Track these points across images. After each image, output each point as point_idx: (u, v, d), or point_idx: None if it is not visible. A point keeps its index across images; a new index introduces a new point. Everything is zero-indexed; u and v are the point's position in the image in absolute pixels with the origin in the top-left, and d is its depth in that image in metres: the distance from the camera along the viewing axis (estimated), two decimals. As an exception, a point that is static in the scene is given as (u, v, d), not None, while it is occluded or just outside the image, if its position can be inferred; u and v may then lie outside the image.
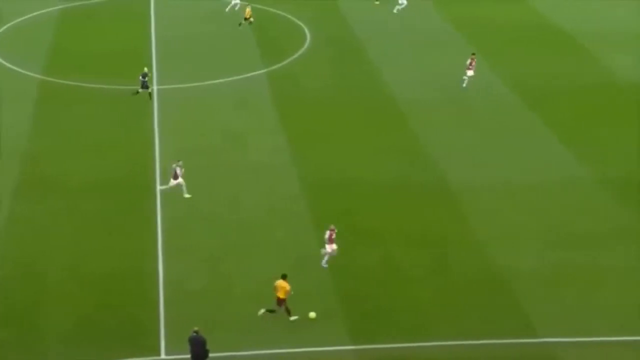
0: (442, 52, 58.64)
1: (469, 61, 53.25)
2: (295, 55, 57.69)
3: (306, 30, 62.11)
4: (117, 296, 34.45)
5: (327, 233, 36.48)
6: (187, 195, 41.15)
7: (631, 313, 34.13)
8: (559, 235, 38.81)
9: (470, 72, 53.03)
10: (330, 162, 44.24)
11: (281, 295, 33.15)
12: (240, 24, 62.07)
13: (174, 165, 41.27)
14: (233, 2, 65.39)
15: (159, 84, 52.62)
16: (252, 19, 62.17)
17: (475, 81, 53.62)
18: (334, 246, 36.50)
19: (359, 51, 58.47)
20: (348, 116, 49.48)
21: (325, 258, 36.58)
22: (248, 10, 62.64)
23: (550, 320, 33.56)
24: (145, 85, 50.67)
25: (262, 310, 33.43)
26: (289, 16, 64.68)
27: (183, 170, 41.36)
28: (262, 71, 54.97)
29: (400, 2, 66.52)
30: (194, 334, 30.65)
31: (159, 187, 41.40)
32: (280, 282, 33.18)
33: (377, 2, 68.77)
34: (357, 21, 64.07)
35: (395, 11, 66.14)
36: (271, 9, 66.02)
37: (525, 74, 55.14)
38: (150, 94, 50.85)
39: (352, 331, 32.95)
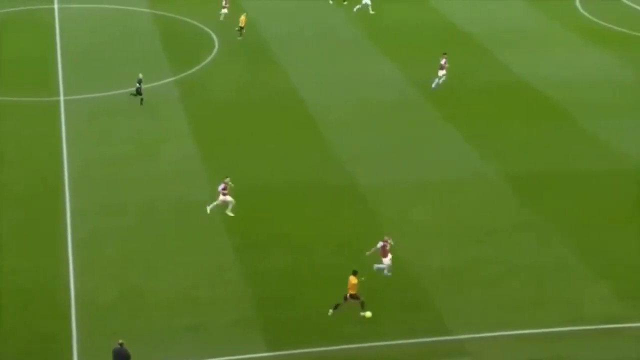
0: (351, 55, 58.67)
1: (443, 61, 53.28)
2: (204, 63, 57.12)
3: (214, 37, 61.54)
4: (28, 312, 33.54)
5: (380, 244, 35.49)
6: (230, 214, 39.61)
7: (534, 305, 34.42)
8: (467, 231, 38.99)
9: (441, 72, 53.23)
10: (242, 168, 43.83)
11: (351, 290, 33.33)
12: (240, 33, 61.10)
13: (222, 183, 39.86)
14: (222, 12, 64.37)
15: (65, 94, 51.56)
16: (244, 29, 61.30)
17: (383, 82, 53.82)
18: (389, 259, 35.45)
19: (269, 56, 58.14)
20: (258, 121, 49.13)
21: (385, 271, 35.64)
22: (242, 18, 61.62)
23: (460, 316, 33.64)
24: (139, 91, 50.02)
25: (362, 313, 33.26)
26: (197, 23, 64.02)
27: (231, 185, 40.02)
28: (171, 79, 54.27)
29: (363, 2, 66.63)
30: (119, 346, 29.97)
31: (208, 207, 39.75)
32: (351, 278, 33.29)
33: (331, 2, 69.23)
34: (266, 26, 63.73)
35: (371, 12, 66.21)
36: (179, 17, 65.31)
37: (429, 74, 55.43)
38: (142, 100, 50.10)
39: (268, 337, 32.58)
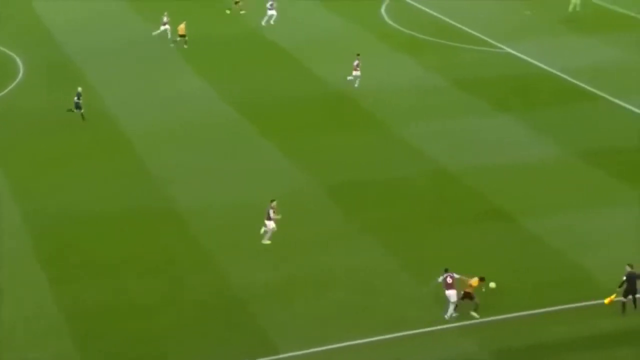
0: (162, 71, 57.42)
1: (356, 62, 54.35)
2: (9, 88, 54.64)
3: (18, 60, 58.99)
4: None
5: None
6: (266, 242, 38.44)
7: (360, 314, 34.27)
8: (288, 245, 38.49)
9: (356, 73, 54.30)
10: (54, 194, 41.97)
11: (468, 289, 33.92)
12: (185, 42, 60.59)
13: (269, 207, 38.61)
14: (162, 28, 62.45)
15: None
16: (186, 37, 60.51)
17: (196, 99, 52.92)
18: None
19: (77, 76, 56.04)
20: (69, 145, 47.22)
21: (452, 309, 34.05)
22: (182, 26, 60.80)
23: (286, 333, 33.03)
24: (78, 106, 48.04)
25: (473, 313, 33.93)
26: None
27: (279, 215, 38.57)
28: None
29: (269, 13, 66.05)
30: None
31: (263, 234, 38.48)
32: (474, 280, 33.97)
33: (243, 11, 68.49)
34: (73, 46, 61.57)
35: (264, 23, 65.98)
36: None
37: (242, 89, 54.88)
38: (82, 115, 48.71)
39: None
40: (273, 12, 66.63)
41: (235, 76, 57.13)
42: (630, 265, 34.38)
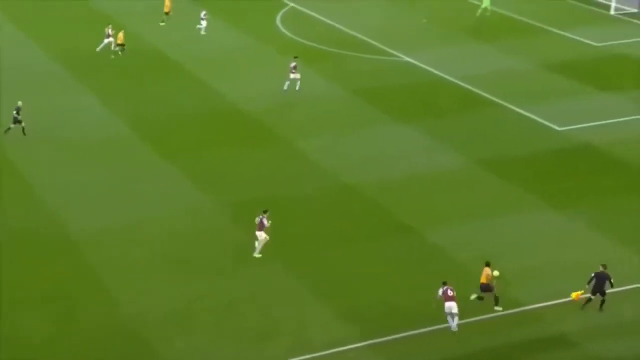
0: (47, 89, 55.65)
1: (293, 64, 54.84)
2: None
3: None
4: None
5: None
6: (257, 255, 38.02)
7: (262, 339, 33.38)
8: (188, 269, 37.43)
9: (293, 75, 54.86)
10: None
11: (483, 280, 34.71)
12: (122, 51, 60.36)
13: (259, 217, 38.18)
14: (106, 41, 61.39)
15: None
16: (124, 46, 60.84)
17: (85, 118, 51.44)
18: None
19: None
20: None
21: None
22: (120, 35, 60.61)
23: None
24: (17, 120, 47.88)
25: (474, 296, 34.91)
26: None
27: (270, 222, 38.04)
28: None
29: (201, 23, 65.33)
30: None
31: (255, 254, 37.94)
32: (485, 270, 34.81)
33: (163, 23, 67.68)
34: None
35: (203, 32, 65.35)
36: None
37: (137, 105, 53.49)
38: (23, 129, 48.12)
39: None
40: (205, 22, 66.34)
41: (129, 92, 55.66)
42: (604, 266, 34.92)
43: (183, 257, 38.27)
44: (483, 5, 70.69)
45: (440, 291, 34.18)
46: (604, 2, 73.02)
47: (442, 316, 33.96)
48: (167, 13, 68.57)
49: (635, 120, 51.75)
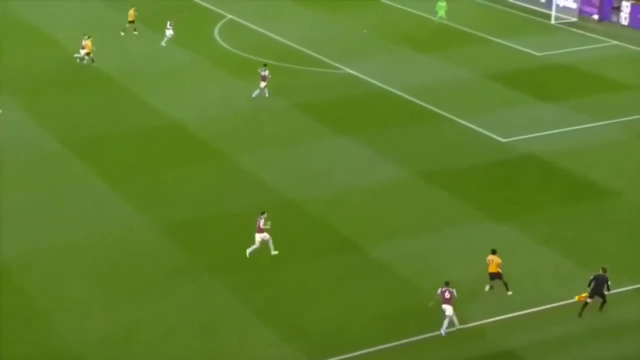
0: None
1: (266, 72, 55.63)
2: None
3: None
4: None
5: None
6: (274, 253, 38.70)
7: (205, 359, 32.97)
8: (126, 291, 36.73)
9: (263, 83, 55.39)
10: None
11: (493, 269, 35.97)
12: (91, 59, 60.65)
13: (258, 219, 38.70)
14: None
15: None
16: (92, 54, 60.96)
17: (12, 135, 50.39)
18: None
19: None
20: None
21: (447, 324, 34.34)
22: (87, 42, 60.59)
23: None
24: None
25: (487, 287, 36.49)
26: None
27: (269, 223, 38.38)
28: None
29: (167, 34, 65.13)
30: None
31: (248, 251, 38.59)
32: (491, 257, 36.16)
33: (123, 34, 67.28)
34: None
35: (163, 44, 65.17)
36: None
37: (69, 122, 52.56)
38: None
39: None
40: (171, 32, 66.09)
41: (63, 108, 54.76)
42: (604, 269, 35.14)
43: (120, 280, 37.54)
44: (438, 15, 70.88)
45: (439, 291, 34.56)
46: (545, 11, 73.67)
47: (391, 334, 33.72)
48: (131, 22, 68.11)
49: (578, 130, 52.09)
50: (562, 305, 35.77)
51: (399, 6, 76.18)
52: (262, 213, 39.12)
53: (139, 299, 36.40)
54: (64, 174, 46.75)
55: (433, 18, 71.77)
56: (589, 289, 35.20)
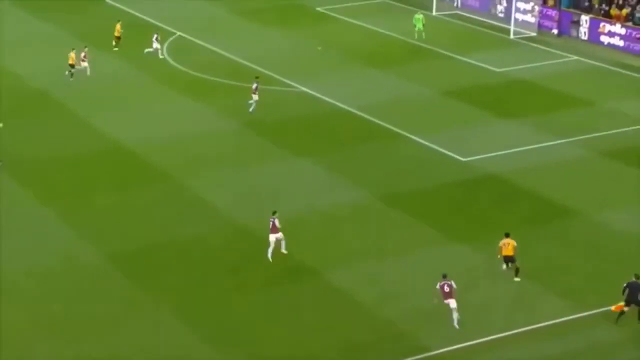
0: None
1: (254, 85, 56.16)
2: None
3: None
4: None
5: None
6: (284, 252, 40.37)
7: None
8: (73, 325, 35.97)
9: (255, 97, 56.06)
10: None
11: (508, 252, 38.29)
12: (70, 73, 61.11)
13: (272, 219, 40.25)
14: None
15: None
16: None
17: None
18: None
19: None
20: None
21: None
22: (72, 55, 61.35)
23: None
24: None
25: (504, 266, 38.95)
26: None
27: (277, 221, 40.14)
28: None
29: (154, 46, 65.73)
30: None
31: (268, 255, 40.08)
32: (506, 240, 38.49)
33: (116, 49, 67.55)
34: None
35: (145, 52, 66.04)
36: None
37: (9, 145, 51.67)
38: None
39: None
40: (157, 46, 66.48)
41: (2, 131, 53.94)
42: (636, 276, 35.36)
43: (66, 313, 36.77)
44: (416, 28, 70.90)
45: (438, 285, 35.52)
46: (504, 25, 74.02)
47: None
48: (118, 38, 68.19)
49: (539, 149, 52.16)
50: (528, 330, 35.58)
51: (355, 22, 76.16)
52: (274, 212, 40.69)
53: (85, 332, 35.63)
54: (4, 200, 45.86)
55: (390, 34, 71.88)
56: (624, 297, 35.39)
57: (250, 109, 55.95)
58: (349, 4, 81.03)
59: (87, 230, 43.14)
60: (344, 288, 38.59)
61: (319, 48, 69.70)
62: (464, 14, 77.87)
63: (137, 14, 78.43)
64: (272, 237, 40.17)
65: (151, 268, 40.20)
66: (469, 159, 50.75)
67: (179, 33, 71.90)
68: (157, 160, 50.65)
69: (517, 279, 38.43)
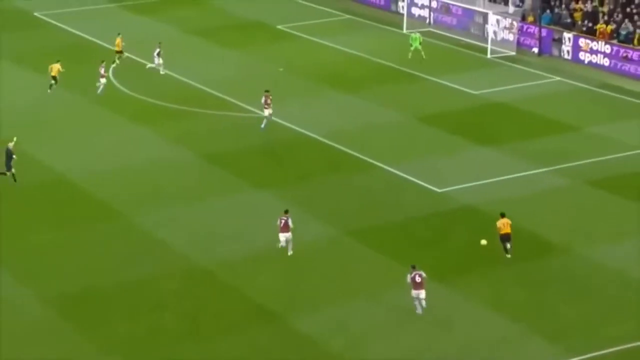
0: None
1: (263, 99, 57.90)
2: None
3: None
4: None
5: None
6: (290, 253, 43.39)
7: None
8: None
9: (268, 111, 57.95)
10: None
11: (507, 230, 42.36)
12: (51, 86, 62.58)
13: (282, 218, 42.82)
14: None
15: None
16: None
17: None
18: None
19: None
20: None
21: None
22: (57, 66, 63.22)
23: None
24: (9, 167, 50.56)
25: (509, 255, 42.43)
26: None
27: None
28: None
29: (156, 62, 66.93)
30: None
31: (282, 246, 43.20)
32: (503, 220, 42.57)
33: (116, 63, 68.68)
34: None
35: (162, 72, 67.11)
36: None
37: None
38: (14, 175, 50.60)
39: None
40: (160, 61, 67.81)
41: None
42: None
43: (2, 363, 36.42)
44: (412, 47, 71.05)
45: (409, 277, 37.72)
46: (480, 44, 74.39)
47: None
48: (119, 52, 69.25)
49: (519, 178, 52.27)
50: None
51: (319, 40, 76.35)
52: (286, 212, 43.35)
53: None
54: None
55: (358, 53, 72.13)
56: None
57: (262, 125, 58.23)
58: (312, 21, 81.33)
59: (25, 271, 42.81)
60: (309, 334, 38.32)
61: (281, 69, 69.71)
62: (438, 31, 78.24)
63: (80, 33, 78.26)
64: (282, 237, 43.01)
65: (96, 314, 39.76)
66: (444, 189, 50.74)
67: (126, 54, 71.54)
68: (103, 194, 50.35)
69: (508, 256, 42.67)
